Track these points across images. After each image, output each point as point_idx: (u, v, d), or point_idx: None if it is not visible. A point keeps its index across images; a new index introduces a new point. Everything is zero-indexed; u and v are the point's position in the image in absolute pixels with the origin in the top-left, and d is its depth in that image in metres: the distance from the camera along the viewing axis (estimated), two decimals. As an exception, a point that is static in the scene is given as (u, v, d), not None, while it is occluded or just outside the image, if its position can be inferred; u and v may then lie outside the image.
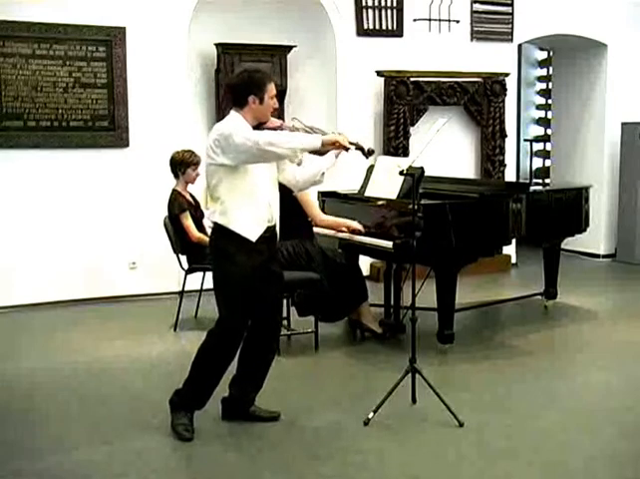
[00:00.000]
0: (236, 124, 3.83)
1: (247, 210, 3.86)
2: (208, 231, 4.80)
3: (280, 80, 7.49)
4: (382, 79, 7.70)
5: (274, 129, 3.94)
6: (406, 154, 7.45)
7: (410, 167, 4.29)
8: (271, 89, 3.91)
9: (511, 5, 8.24)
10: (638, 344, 5.57)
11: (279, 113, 4.38)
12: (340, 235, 5.48)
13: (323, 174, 4.04)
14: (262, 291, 3.96)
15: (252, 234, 3.86)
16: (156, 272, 6.88)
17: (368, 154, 4.18)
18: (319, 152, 4.02)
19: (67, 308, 6.63)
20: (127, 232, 6.93)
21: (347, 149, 3.96)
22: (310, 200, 5.38)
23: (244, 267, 3.85)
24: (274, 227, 4.00)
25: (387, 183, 5.35)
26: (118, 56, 6.77)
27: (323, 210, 5.81)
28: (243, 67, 4.02)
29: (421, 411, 4.22)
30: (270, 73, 7.22)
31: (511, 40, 8.32)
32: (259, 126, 3.92)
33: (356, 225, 5.37)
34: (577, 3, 8.49)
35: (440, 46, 7.97)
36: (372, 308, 5.72)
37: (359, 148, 4.16)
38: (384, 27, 7.75)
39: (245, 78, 3.92)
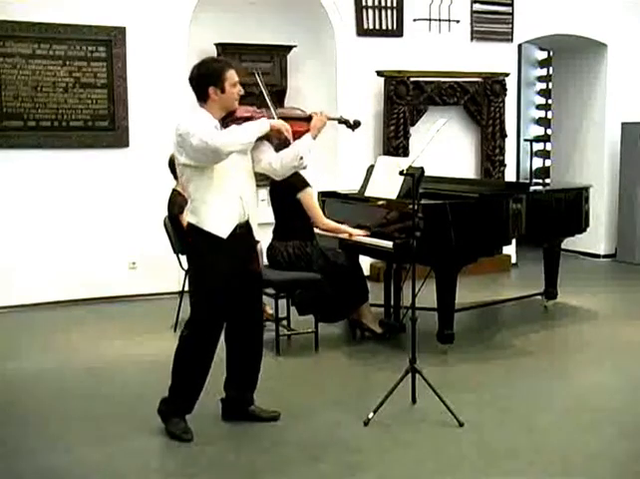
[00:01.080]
0: (195, 122, 3.68)
1: (216, 206, 3.73)
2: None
3: (280, 80, 7.50)
4: (382, 79, 7.70)
5: (245, 119, 3.77)
6: (406, 154, 7.45)
7: (410, 167, 4.28)
8: (231, 76, 3.73)
9: (511, 5, 8.24)
10: (638, 344, 5.57)
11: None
12: (341, 235, 5.48)
13: (302, 158, 3.86)
14: (238, 290, 3.86)
15: (222, 231, 3.74)
16: (156, 272, 6.87)
17: (354, 126, 4.08)
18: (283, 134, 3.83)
19: (67, 308, 6.63)
20: (127, 232, 6.93)
21: (287, 140, 3.79)
22: (313, 202, 5.35)
23: (217, 267, 3.75)
24: (247, 222, 3.84)
25: (387, 183, 5.35)
26: (118, 56, 6.77)
27: (323, 210, 5.80)
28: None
29: (421, 411, 4.21)
30: (270, 73, 7.32)
31: (511, 40, 8.32)
32: (229, 116, 3.78)
33: (358, 232, 5.37)
34: (577, 3, 8.50)
35: (440, 46, 7.97)
36: (372, 308, 5.72)
37: (343, 121, 4.05)
38: (384, 27, 7.75)
39: (202, 70, 3.76)
